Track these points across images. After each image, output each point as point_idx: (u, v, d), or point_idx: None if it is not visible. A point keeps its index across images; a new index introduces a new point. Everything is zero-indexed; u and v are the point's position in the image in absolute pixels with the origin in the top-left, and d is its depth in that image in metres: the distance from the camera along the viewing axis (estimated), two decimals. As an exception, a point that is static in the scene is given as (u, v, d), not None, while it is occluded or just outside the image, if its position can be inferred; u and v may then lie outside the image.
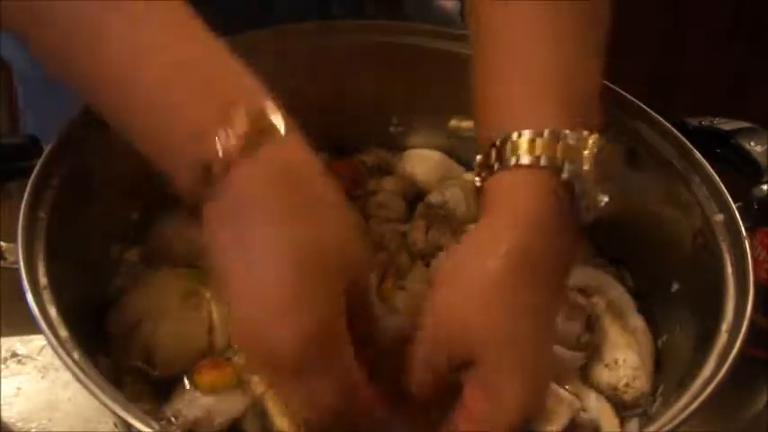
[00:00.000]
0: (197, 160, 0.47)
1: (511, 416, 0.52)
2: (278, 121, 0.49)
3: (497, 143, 0.54)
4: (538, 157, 0.52)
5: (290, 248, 0.47)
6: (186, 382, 0.60)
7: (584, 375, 0.64)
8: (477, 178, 0.56)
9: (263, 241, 0.47)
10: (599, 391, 0.63)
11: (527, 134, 0.53)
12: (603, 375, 0.63)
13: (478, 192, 0.56)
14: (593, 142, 0.53)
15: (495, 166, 0.54)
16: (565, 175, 0.52)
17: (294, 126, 0.50)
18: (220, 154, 0.46)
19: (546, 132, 0.53)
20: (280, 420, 0.57)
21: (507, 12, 0.59)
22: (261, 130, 0.48)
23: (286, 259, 0.47)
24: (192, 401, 0.58)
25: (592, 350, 0.63)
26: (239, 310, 0.48)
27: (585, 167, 0.52)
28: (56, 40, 0.51)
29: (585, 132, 0.53)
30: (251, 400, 0.59)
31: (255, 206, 0.47)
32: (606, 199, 0.54)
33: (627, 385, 0.62)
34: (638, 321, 0.66)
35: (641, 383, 0.63)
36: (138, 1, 0.50)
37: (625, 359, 0.63)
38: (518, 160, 0.52)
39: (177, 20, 0.51)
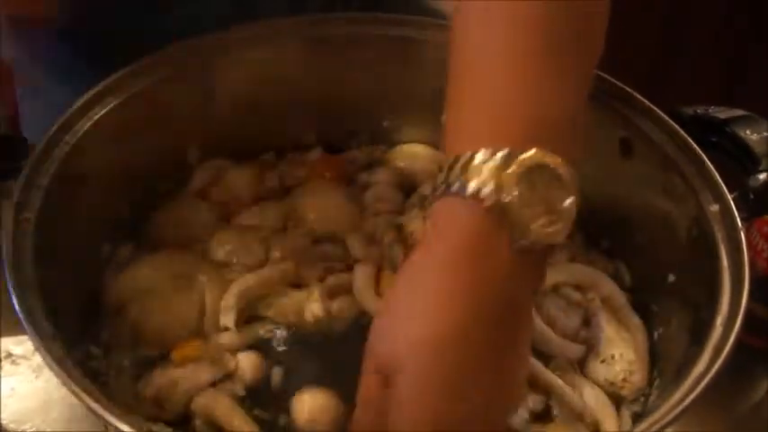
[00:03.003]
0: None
1: None
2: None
3: (444, 169, 0.51)
4: (465, 183, 0.48)
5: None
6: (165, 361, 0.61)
7: (582, 371, 0.63)
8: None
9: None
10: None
11: (462, 159, 0.49)
12: (600, 371, 0.63)
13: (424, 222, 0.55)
14: (526, 158, 0.48)
15: (438, 192, 0.50)
16: (487, 203, 0.48)
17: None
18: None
19: (477, 156, 0.49)
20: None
21: (472, 17, 0.55)
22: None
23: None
24: (163, 373, 0.60)
25: (589, 345, 0.63)
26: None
27: (510, 192, 0.48)
28: None
29: (517, 151, 0.48)
30: (216, 375, 0.60)
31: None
32: (554, 229, 0.49)
33: (624, 380, 0.62)
34: (633, 318, 0.66)
35: (638, 378, 0.62)
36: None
37: (622, 354, 0.63)
38: (449, 187, 0.49)
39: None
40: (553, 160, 0.49)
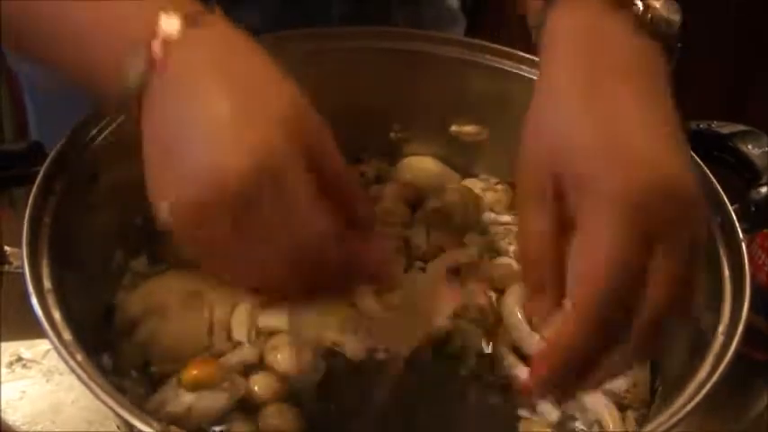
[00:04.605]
0: (137, 47, 0.47)
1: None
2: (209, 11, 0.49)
3: None
4: None
5: (232, 105, 0.46)
6: (174, 379, 0.60)
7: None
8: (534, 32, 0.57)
9: (208, 107, 0.47)
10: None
11: None
12: (604, 381, 0.63)
13: (537, 44, 0.56)
14: None
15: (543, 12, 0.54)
16: None
17: (224, 17, 0.50)
18: (159, 38, 0.47)
19: None
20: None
21: None
22: (195, 17, 0.48)
23: (231, 103, 0.46)
24: (175, 398, 0.59)
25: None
26: (179, 156, 0.47)
27: None
28: None
29: None
30: (233, 401, 0.59)
31: (197, 81, 0.47)
32: (678, 18, 0.55)
33: (627, 391, 0.62)
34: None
35: (642, 390, 0.63)
36: None
37: None
38: None
39: None
40: None
